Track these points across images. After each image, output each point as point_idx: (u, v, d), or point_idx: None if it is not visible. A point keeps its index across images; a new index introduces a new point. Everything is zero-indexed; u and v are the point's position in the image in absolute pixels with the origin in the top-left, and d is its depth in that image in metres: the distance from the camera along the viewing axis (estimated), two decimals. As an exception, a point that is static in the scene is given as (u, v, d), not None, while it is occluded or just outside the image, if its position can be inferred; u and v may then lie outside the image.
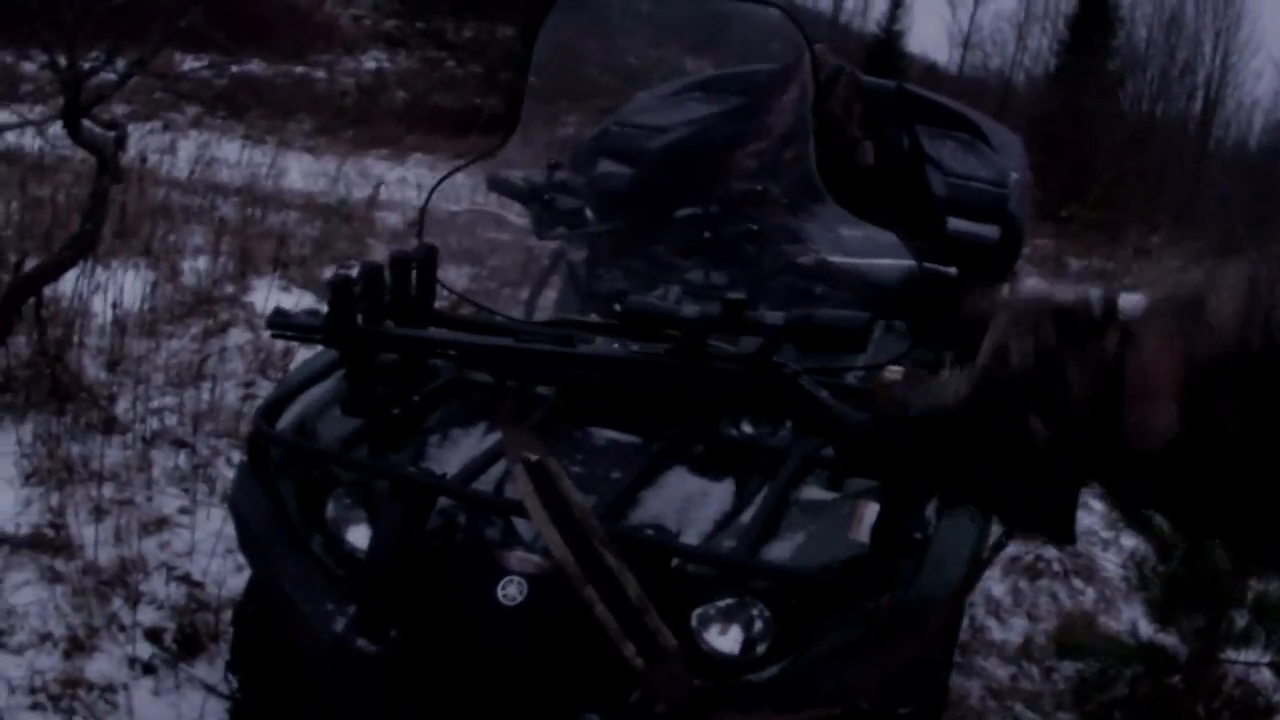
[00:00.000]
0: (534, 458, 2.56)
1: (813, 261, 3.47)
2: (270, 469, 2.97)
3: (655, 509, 2.70)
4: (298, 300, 7.27)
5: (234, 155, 11.23)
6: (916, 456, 2.39)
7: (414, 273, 2.99)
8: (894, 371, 2.16)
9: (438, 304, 3.11)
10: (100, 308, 6.04)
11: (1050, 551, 5.55)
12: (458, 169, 3.53)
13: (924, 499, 2.56)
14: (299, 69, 21.00)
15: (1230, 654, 4.23)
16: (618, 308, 2.80)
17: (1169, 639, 4.28)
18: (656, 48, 4.55)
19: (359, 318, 2.80)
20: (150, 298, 6.60)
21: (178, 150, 10.43)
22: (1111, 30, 31.79)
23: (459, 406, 3.07)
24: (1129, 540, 5.33)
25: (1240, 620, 4.12)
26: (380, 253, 8.87)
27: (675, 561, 2.55)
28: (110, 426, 5.16)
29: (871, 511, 2.53)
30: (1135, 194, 20.35)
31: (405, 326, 2.94)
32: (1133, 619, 4.78)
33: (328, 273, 8.05)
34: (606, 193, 3.88)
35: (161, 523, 4.51)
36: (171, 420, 5.36)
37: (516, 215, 3.66)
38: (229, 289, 7.29)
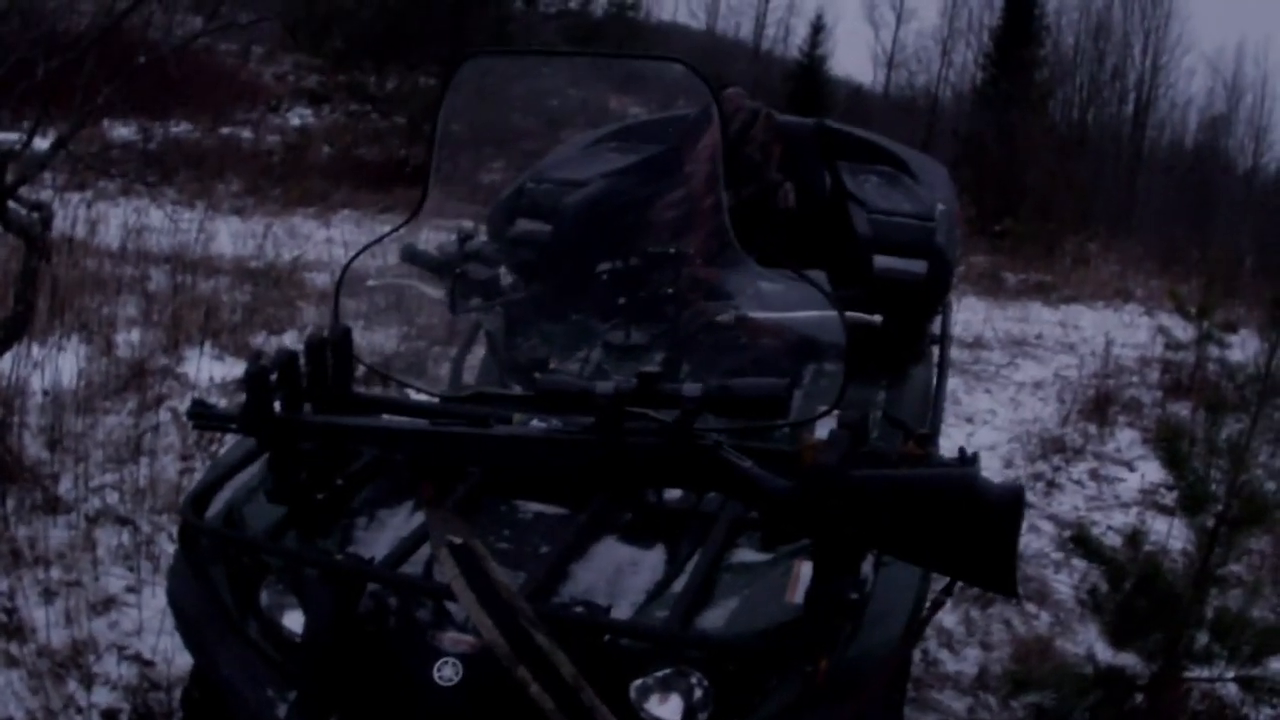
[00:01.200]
0: (458, 540, 2.54)
1: (732, 319, 3.45)
2: (202, 557, 2.95)
3: (586, 582, 2.69)
4: (229, 370, 7.24)
5: (163, 222, 11.18)
6: (848, 517, 2.39)
7: (330, 355, 2.97)
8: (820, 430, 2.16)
9: (360, 372, 3.08)
10: (39, 386, 6.02)
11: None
12: (369, 245, 3.50)
13: (858, 558, 2.55)
14: (225, 130, 20.99)
15: (1194, 671, 4.20)
16: (538, 376, 2.80)
17: (1129, 658, 4.25)
18: (578, 87, 4.52)
19: (278, 405, 2.78)
20: (86, 373, 6.57)
21: (109, 220, 10.33)
22: (1038, 40, 31.90)
23: (384, 485, 3.06)
24: (1080, 561, 5.31)
25: (1201, 638, 4.10)
26: (310, 315, 8.86)
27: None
28: (54, 506, 5.15)
29: (809, 571, 2.52)
30: (1069, 204, 20.38)
31: (324, 410, 2.92)
32: (1089, 641, 4.76)
33: (259, 339, 8.06)
34: (525, 253, 3.86)
35: (109, 602, 4.52)
36: (113, 498, 5.34)
37: (434, 286, 3.63)
38: (162, 360, 7.24)
